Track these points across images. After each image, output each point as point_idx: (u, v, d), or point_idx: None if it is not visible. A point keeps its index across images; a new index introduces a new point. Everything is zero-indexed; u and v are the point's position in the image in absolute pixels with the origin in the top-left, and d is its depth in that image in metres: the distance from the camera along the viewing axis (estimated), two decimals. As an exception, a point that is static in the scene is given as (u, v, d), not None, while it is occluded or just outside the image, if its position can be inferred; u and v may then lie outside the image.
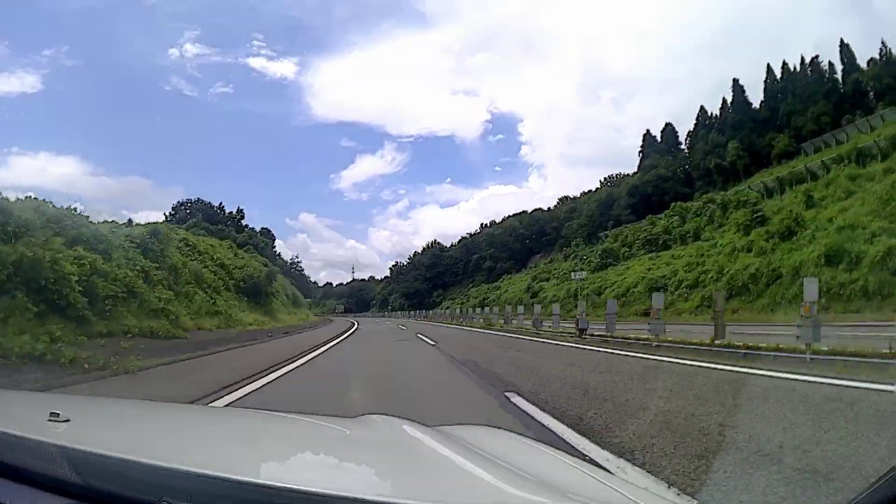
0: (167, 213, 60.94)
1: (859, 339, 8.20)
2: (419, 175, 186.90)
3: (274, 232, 76.85)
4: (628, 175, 74.58)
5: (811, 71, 58.63)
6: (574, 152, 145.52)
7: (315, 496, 0.83)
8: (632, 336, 11.28)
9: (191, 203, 66.11)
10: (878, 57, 53.60)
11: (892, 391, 4.36)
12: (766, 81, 61.80)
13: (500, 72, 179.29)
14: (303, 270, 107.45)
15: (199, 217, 58.75)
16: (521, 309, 22.17)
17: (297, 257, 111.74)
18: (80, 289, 10.08)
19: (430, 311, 61.97)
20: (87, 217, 13.46)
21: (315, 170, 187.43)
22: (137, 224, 19.12)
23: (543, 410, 4.33)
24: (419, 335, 17.53)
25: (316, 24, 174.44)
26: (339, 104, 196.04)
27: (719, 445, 3.14)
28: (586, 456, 2.98)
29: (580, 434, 3.55)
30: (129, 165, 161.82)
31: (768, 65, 61.79)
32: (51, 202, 13.01)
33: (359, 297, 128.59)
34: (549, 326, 16.92)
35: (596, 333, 12.77)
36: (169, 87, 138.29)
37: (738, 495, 2.31)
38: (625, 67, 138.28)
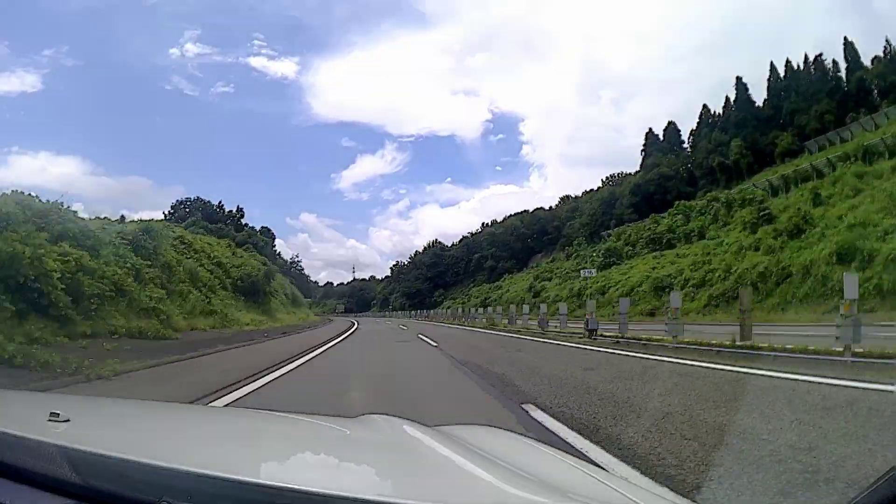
0: (166, 212, 60.47)
1: (889, 339, 7.65)
2: (420, 175, 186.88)
3: (275, 232, 76.56)
4: (630, 174, 74.18)
5: (814, 69, 58.20)
6: (574, 152, 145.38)
7: (315, 496, 0.82)
8: (644, 337, 10.74)
9: (190, 202, 65.71)
10: (882, 55, 53.12)
11: None
12: (769, 79, 61.38)
13: (501, 72, 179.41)
14: (303, 270, 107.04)
15: (198, 216, 58.33)
16: (525, 308, 21.54)
17: (297, 257, 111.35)
18: (63, 287, 9.53)
19: (432, 311, 61.38)
20: (76, 212, 12.94)
21: (316, 169, 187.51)
22: (131, 221, 18.53)
23: (575, 430, 3.61)
24: (420, 336, 16.91)
25: (316, 23, 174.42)
26: (339, 104, 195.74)
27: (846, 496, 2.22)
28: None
29: (640, 472, 2.71)
30: (129, 165, 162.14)
31: (771, 63, 61.43)
32: (37, 196, 12.52)
33: (359, 297, 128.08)
34: (556, 326, 16.35)
35: (605, 334, 12.22)
36: (169, 87, 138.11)
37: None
38: (625, 67, 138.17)
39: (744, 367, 6.11)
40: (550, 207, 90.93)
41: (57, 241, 10.86)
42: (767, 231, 28.34)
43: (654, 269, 35.00)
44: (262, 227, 73.09)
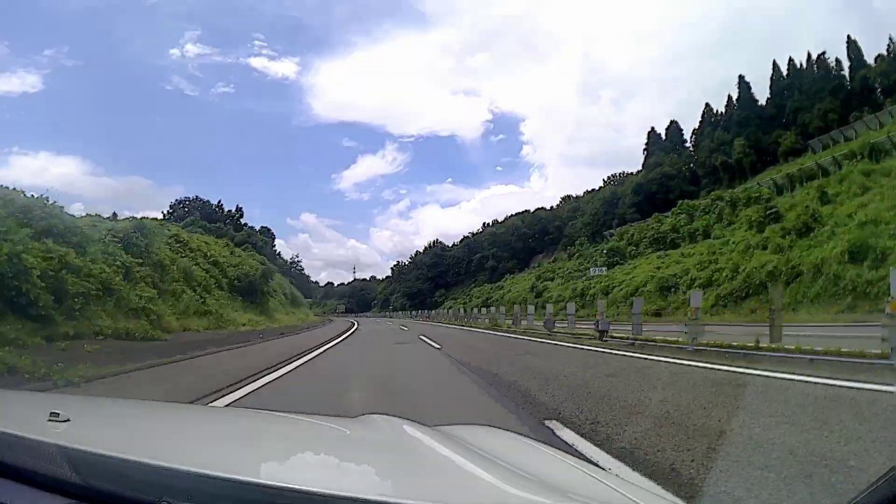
0: (165, 212, 59.97)
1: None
2: (420, 175, 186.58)
3: (275, 232, 76.21)
4: (632, 173, 73.73)
5: (817, 67, 57.71)
6: (575, 152, 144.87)
7: (315, 496, 0.82)
8: (658, 338, 10.18)
9: (189, 201, 65.31)
10: (885, 53, 52.69)
11: None
12: (772, 78, 60.91)
13: (501, 72, 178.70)
14: (303, 270, 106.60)
15: (196, 215, 57.90)
16: (530, 309, 20.87)
17: (297, 257, 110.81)
18: (44, 285, 9.00)
19: (433, 312, 60.66)
20: (62, 208, 12.38)
21: (316, 170, 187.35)
22: (124, 218, 17.94)
23: (628, 464, 2.80)
24: (422, 337, 16.23)
25: (316, 24, 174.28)
26: (340, 104, 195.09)
27: None
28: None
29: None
30: (129, 165, 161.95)
31: (774, 61, 61.04)
32: (22, 191, 11.99)
33: (360, 297, 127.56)
34: (563, 328, 15.78)
35: (616, 335, 11.67)
36: (170, 87, 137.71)
37: None
38: (625, 67, 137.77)
39: (785, 372, 5.49)
40: (552, 207, 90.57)
41: (41, 237, 10.33)
42: (775, 230, 27.90)
43: (658, 268, 34.47)
44: (262, 227, 72.76)
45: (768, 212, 30.81)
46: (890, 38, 52.31)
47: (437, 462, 1.23)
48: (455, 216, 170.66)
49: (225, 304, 22.34)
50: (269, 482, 0.88)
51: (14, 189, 11.74)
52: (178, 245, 22.16)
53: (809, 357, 6.23)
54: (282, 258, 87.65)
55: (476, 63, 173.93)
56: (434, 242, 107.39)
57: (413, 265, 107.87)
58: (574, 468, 1.25)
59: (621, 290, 33.98)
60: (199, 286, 20.12)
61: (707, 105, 67.46)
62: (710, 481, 2.50)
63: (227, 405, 4.79)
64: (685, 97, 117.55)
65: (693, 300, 8.93)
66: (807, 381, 5.06)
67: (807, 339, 7.56)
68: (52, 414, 1.13)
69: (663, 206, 54.43)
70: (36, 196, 11.80)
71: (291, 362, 8.56)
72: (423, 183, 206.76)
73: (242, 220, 66.94)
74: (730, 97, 64.27)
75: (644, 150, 73.62)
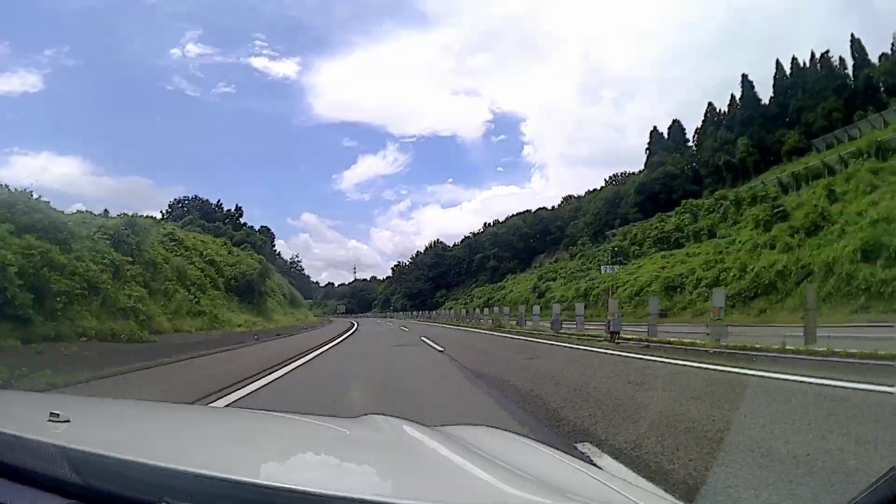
0: (164, 211, 59.46)
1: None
2: (421, 175, 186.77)
3: (276, 232, 75.84)
4: (634, 173, 73.27)
5: (821, 66, 57.33)
6: (575, 152, 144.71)
7: (315, 496, 0.81)
8: (673, 340, 9.62)
9: (188, 201, 64.94)
10: (889, 52, 52.30)
11: None
12: (775, 77, 60.57)
13: (502, 72, 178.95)
14: (303, 270, 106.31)
15: (195, 214, 57.46)
16: (536, 309, 20.23)
17: (297, 256, 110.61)
18: (23, 282, 8.46)
19: (434, 312, 60.05)
20: (48, 202, 11.81)
21: (317, 170, 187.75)
22: (116, 216, 17.35)
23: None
24: (424, 339, 15.48)
25: (317, 24, 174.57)
26: (340, 104, 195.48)
27: None
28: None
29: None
30: (130, 165, 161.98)
31: (777, 60, 60.70)
32: (6, 186, 11.46)
33: (360, 298, 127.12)
34: (569, 328, 15.21)
35: (626, 336, 11.12)
36: (171, 87, 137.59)
37: None
38: (625, 67, 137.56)
39: (832, 379, 4.91)
40: (553, 207, 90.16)
41: (22, 232, 9.78)
42: (783, 228, 27.43)
43: (663, 268, 33.96)
44: (262, 227, 72.33)
45: (775, 210, 30.33)
46: (894, 37, 51.89)
47: (436, 462, 1.21)
48: (456, 216, 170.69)
49: (220, 304, 21.76)
50: (269, 482, 0.87)
51: (-3, 184, 11.21)
52: (172, 243, 21.58)
53: (849, 361, 5.66)
54: (281, 258, 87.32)
55: (477, 63, 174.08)
56: (435, 243, 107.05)
57: (414, 265, 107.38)
58: (574, 468, 1.24)
59: (625, 289, 33.46)
60: (194, 286, 19.54)
61: (710, 104, 67.13)
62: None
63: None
64: (685, 97, 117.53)
65: (715, 299, 8.37)
66: (867, 390, 4.46)
67: (827, 342, 7.03)
68: (52, 414, 1.12)
69: (666, 206, 54.06)
70: (19, 190, 11.25)
71: (285, 366, 7.98)
72: (424, 183, 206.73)
73: (242, 220, 66.55)
74: (733, 96, 63.97)
75: (646, 149, 73.27)
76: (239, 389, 5.44)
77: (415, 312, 67.59)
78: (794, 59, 59.53)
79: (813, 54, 58.00)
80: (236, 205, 67.93)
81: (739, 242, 30.57)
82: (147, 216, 23.80)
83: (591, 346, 10.50)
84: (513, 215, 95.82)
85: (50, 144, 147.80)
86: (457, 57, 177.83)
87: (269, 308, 31.69)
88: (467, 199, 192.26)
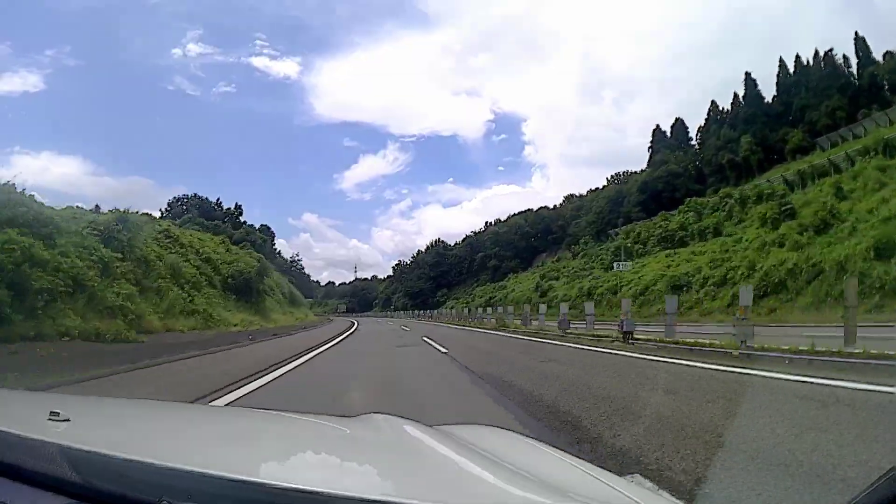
0: (163, 210, 58.95)
1: None
2: (422, 175, 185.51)
3: (277, 232, 75.42)
4: (636, 172, 72.67)
5: (825, 65, 56.78)
6: (576, 152, 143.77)
7: (316, 496, 0.81)
8: (690, 341, 9.07)
9: (187, 199, 64.46)
10: (894, 50, 51.74)
11: None
12: (778, 75, 60.04)
13: (502, 72, 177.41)
14: (303, 269, 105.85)
15: (194, 213, 57.00)
16: (542, 308, 19.62)
17: (297, 255, 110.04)
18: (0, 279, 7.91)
19: (435, 311, 59.33)
20: (33, 196, 11.28)
21: (318, 170, 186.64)
22: (107, 211, 16.80)
23: None
24: (426, 339, 14.87)
25: (318, 23, 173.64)
26: (341, 104, 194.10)
27: None
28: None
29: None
30: (131, 166, 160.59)
31: (780, 59, 60.16)
32: (-11, 180, 10.92)
33: (361, 297, 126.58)
34: (576, 328, 14.66)
35: (639, 337, 10.58)
36: (172, 87, 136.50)
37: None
38: (625, 67, 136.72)
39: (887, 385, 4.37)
40: (555, 206, 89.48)
41: (3, 227, 9.25)
42: (792, 226, 26.98)
43: (668, 267, 33.43)
44: (262, 226, 71.84)
45: (783, 208, 29.86)
46: (900, 35, 51.39)
47: (437, 462, 1.21)
48: (457, 216, 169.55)
49: (216, 302, 21.17)
50: (270, 482, 0.87)
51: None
52: (167, 240, 21.00)
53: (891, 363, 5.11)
54: (281, 257, 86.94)
55: (477, 63, 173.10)
56: (436, 241, 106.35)
57: (415, 264, 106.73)
58: (574, 468, 1.22)
59: (630, 288, 32.94)
60: (188, 284, 18.97)
61: (713, 102, 66.58)
62: None
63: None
64: (685, 97, 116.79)
65: (742, 297, 7.80)
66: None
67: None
68: (52, 413, 1.12)
69: (669, 205, 53.59)
70: (2, 184, 10.71)
71: (276, 369, 7.46)
72: (425, 183, 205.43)
73: (241, 218, 66.07)
74: (736, 95, 63.42)
75: (649, 147, 72.70)
76: (214, 400, 4.87)
77: (416, 312, 66.91)
78: (797, 57, 59.07)
79: (816, 52, 57.55)
80: (236, 203, 67.54)
81: (746, 241, 30.14)
82: (144, 213, 23.25)
83: (604, 348, 9.91)
84: (514, 214, 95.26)
85: (51, 144, 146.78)
86: (457, 57, 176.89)
87: (267, 307, 31.10)
88: (468, 199, 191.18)
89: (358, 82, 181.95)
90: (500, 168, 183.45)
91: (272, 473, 1.03)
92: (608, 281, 36.54)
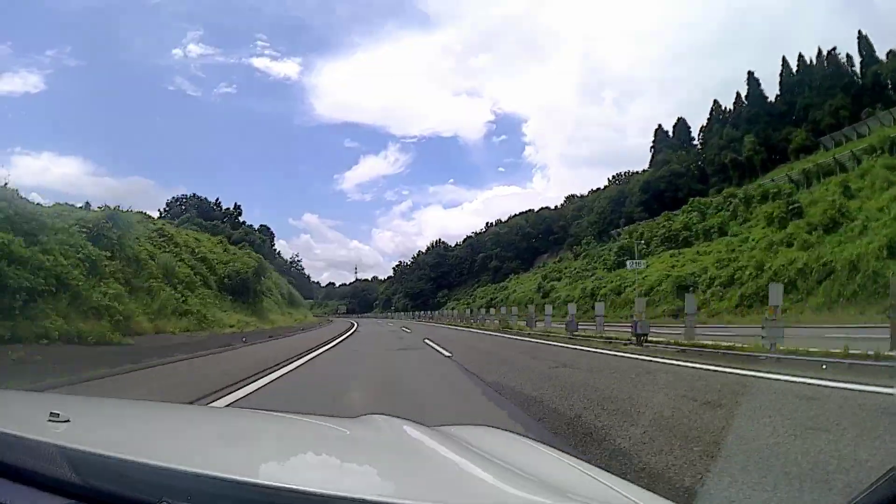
0: (161, 209, 58.47)
1: None
2: (422, 176, 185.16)
3: (278, 233, 74.99)
4: (638, 172, 72.22)
5: (828, 64, 56.38)
6: (576, 153, 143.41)
7: (315, 496, 0.81)
8: (709, 343, 8.54)
9: (185, 199, 64.04)
10: (897, 50, 51.33)
11: None
12: (781, 74, 59.69)
13: (503, 73, 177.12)
14: (303, 269, 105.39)
15: (192, 213, 56.55)
16: (549, 309, 19.05)
17: (297, 256, 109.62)
18: (-29, 277, 7.40)
19: (436, 312, 58.72)
20: (16, 191, 10.74)
21: (318, 170, 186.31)
22: (97, 208, 16.22)
23: None
24: (428, 341, 14.28)
25: (318, 24, 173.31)
26: (342, 105, 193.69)
27: None
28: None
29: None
30: (131, 166, 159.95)
31: (784, 58, 59.81)
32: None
33: (362, 298, 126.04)
34: (587, 330, 14.09)
35: (652, 339, 10.06)
36: (172, 88, 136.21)
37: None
38: (625, 67, 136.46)
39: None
40: (556, 207, 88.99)
41: (-19, 222, 8.74)
42: (800, 225, 26.49)
43: (673, 267, 32.90)
44: (261, 226, 71.38)
45: (790, 207, 29.38)
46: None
47: (437, 462, 1.21)
48: (457, 217, 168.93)
49: (211, 303, 20.61)
50: (269, 482, 0.87)
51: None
52: (161, 239, 20.45)
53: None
54: (281, 257, 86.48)
55: (478, 64, 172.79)
56: (437, 242, 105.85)
57: (415, 265, 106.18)
58: (574, 468, 1.21)
59: (634, 289, 32.39)
60: (181, 284, 18.41)
61: (715, 101, 66.22)
62: None
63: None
64: (685, 97, 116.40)
65: (772, 296, 7.26)
66: None
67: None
68: (52, 414, 1.11)
69: (672, 205, 53.21)
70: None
71: (272, 372, 6.94)
72: (426, 184, 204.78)
73: (241, 219, 65.61)
74: (738, 94, 63.08)
75: (651, 147, 72.32)
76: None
77: (416, 313, 66.30)
78: (800, 56, 58.71)
79: (820, 51, 57.17)
80: (235, 203, 67.11)
81: (753, 240, 29.66)
82: (139, 212, 22.67)
83: (617, 351, 9.33)
84: (515, 215, 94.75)
85: (51, 145, 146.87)
86: (458, 57, 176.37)
87: (265, 308, 30.51)
88: (469, 200, 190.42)
89: (358, 83, 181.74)
90: (501, 169, 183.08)
91: (272, 474, 1.03)
92: (611, 281, 36.03)
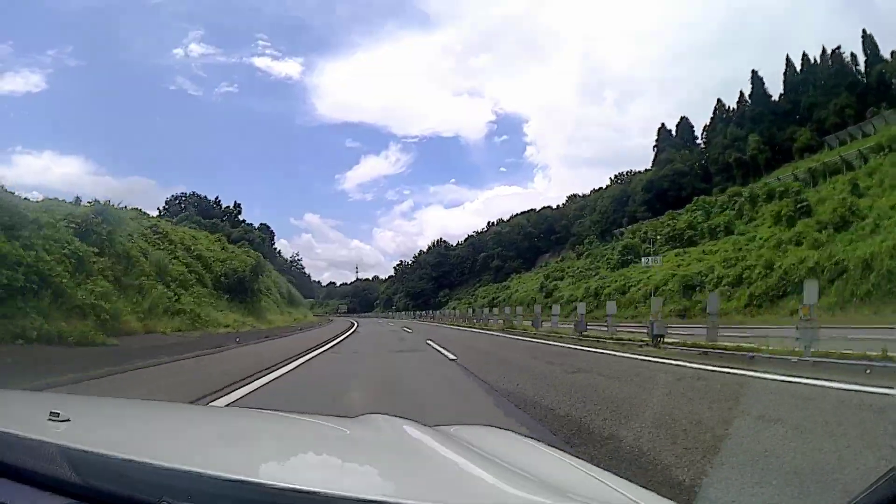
0: (161, 208, 58.01)
1: None
2: (423, 176, 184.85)
3: (278, 232, 74.65)
4: (640, 171, 71.74)
5: (832, 63, 55.90)
6: (578, 152, 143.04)
7: (315, 496, 0.81)
8: (730, 346, 7.99)
9: (185, 197, 63.63)
10: (901, 49, 50.85)
11: None
12: (785, 73, 59.26)
13: (504, 72, 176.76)
14: (304, 269, 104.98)
15: (192, 211, 56.11)
16: (556, 309, 18.51)
17: (297, 255, 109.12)
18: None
19: (437, 312, 58.17)
20: (1, 186, 10.22)
21: (320, 170, 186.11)
22: (87, 203, 15.64)
23: None
24: (430, 342, 13.62)
25: (319, 24, 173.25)
26: (343, 104, 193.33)
27: None
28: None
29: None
30: (132, 166, 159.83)
31: (787, 57, 59.43)
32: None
33: (362, 297, 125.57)
34: (596, 331, 13.53)
35: (669, 340, 9.54)
36: (173, 87, 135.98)
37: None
38: (626, 67, 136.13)
39: None
40: (558, 206, 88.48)
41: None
42: (809, 224, 25.97)
43: (678, 266, 32.35)
44: (261, 224, 70.94)
45: (799, 206, 28.85)
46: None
47: (437, 462, 1.21)
48: (458, 217, 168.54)
49: (206, 302, 20.04)
50: (269, 482, 0.87)
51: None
52: (156, 236, 19.93)
53: None
54: (282, 256, 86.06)
55: (478, 64, 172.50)
56: (438, 241, 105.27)
57: (416, 265, 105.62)
58: (574, 468, 1.21)
59: (639, 289, 31.87)
60: (175, 282, 17.88)
61: (719, 101, 65.78)
62: None
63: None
64: (686, 97, 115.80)
65: (807, 295, 6.69)
66: None
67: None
68: (52, 414, 1.11)
69: (675, 204, 52.80)
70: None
71: (263, 376, 6.43)
72: (427, 183, 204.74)
73: (240, 217, 65.17)
74: (742, 93, 62.64)
75: (654, 146, 71.83)
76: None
77: (418, 312, 65.76)
78: (804, 55, 58.26)
79: (824, 50, 56.69)
80: (234, 201, 66.68)
81: (760, 239, 29.15)
82: (133, 208, 22.14)
83: (632, 353, 8.76)
84: (517, 214, 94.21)
85: (52, 144, 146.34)
86: (458, 57, 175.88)
87: (263, 307, 29.95)
88: (470, 200, 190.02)
89: (359, 83, 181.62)
90: (502, 169, 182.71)
91: (272, 474, 1.03)
92: (616, 281, 35.48)
